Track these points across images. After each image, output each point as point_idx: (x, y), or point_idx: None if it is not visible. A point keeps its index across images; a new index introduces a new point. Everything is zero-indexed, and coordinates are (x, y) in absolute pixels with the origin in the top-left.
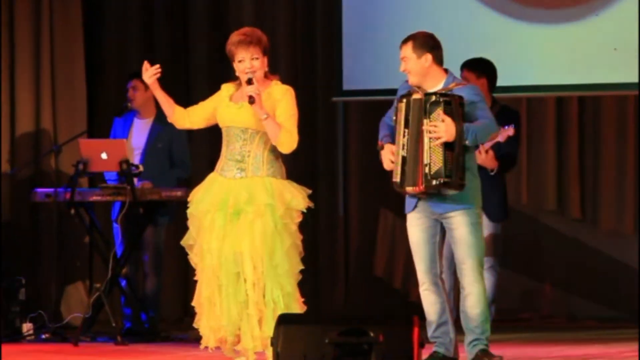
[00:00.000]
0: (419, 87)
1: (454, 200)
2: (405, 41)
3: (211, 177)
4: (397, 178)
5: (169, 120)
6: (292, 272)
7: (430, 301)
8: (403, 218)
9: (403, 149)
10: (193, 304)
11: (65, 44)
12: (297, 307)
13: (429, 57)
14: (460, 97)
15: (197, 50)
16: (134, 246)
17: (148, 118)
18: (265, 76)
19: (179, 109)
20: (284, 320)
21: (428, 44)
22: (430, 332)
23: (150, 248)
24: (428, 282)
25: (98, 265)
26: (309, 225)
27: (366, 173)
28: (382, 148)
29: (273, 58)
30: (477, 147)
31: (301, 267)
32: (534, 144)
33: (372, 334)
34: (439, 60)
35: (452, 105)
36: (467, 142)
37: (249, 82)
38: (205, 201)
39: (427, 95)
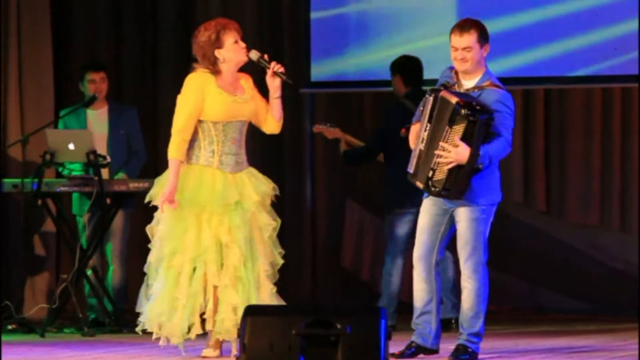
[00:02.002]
0: (457, 78)
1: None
2: (467, 29)
3: (208, 172)
4: (411, 168)
5: None
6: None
7: (419, 287)
8: (370, 210)
9: (422, 142)
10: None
11: (32, 34)
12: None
13: (487, 47)
14: (489, 118)
15: (164, 41)
16: (102, 237)
17: (101, 109)
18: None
19: (184, 152)
20: (251, 312)
21: (487, 34)
22: (414, 317)
23: (116, 238)
24: (421, 268)
25: (64, 256)
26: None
27: (333, 164)
28: (407, 134)
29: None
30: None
31: None
32: None
33: (339, 326)
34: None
35: (477, 126)
36: (480, 167)
37: (262, 58)
38: (219, 198)
39: (459, 106)
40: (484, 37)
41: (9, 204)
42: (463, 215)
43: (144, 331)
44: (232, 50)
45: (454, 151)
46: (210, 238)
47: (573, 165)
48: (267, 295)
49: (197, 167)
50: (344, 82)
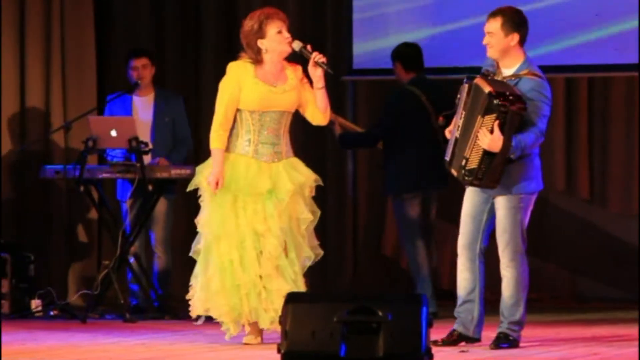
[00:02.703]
0: (497, 66)
1: (502, 184)
2: (494, 15)
3: (243, 161)
4: (447, 156)
5: None
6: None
7: (463, 276)
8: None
9: (457, 130)
10: (193, 283)
11: (75, 20)
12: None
13: (516, 37)
14: (521, 108)
15: (207, 28)
16: (144, 223)
17: (148, 95)
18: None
19: (225, 141)
20: (293, 299)
21: (516, 22)
22: (457, 306)
23: (159, 225)
24: (465, 257)
25: (107, 242)
26: (318, 202)
27: (375, 152)
28: (444, 123)
29: None
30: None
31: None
32: None
33: (380, 313)
34: (523, 39)
35: (508, 116)
36: (512, 157)
37: (305, 47)
38: (253, 186)
39: (491, 96)
40: (510, 25)
41: (52, 190)
42: (501, 204)
43: (196, 317)
44: (275, 41)
45: (488, 136)
46: (246, 226)
47: (616, 154)
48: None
49: (232, 155)
50: (386, 69)
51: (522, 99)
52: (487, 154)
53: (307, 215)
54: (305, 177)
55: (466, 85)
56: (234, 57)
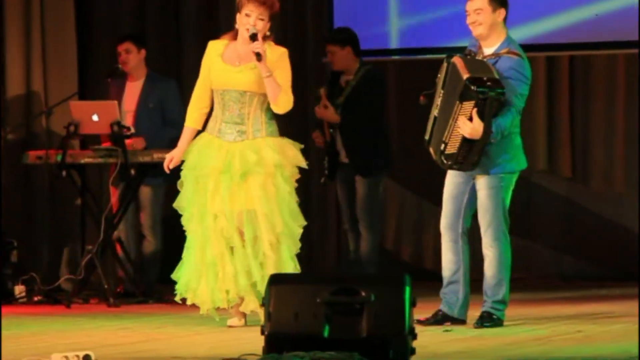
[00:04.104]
0: (479, 46)
1: (482, 164)
2: None
3: (206, 139)
4: (427, 135)
5: None
6: (300, 232)
7: (446, 257)
8: (393, 178)
9: (436, 108)
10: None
11: (55, 4)
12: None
13: (502, 12)
14: (499, 93)
15: (188, 10)
16: (127, 208)
17: (139, 80)
18: (262, 37)
19: (198, 119)
20: (276, 281)
21: None
22: (442, 287)
23: (145, 210)
24: (447, 238)
25: (90, 227)
26: (301, 185)
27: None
28: (426, 101)
29: None
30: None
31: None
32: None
33: (363, 294)
34: (506, 16)
35: (487, 102)
36: (492, 140)
37: (253, 37)
38: (206, 165)
39: (469, 82)
40: (496, 0)
41: (34, 175)
42: (482, 184)
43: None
44: (240, 22)
45: (469, 128)
46: (204, 205)
47: (598, 132)
48: (273, 268)
49: (203, 134)
50: (367, 50)
51: (500, 83)
52: (466, 140)
53: (267, 193)
54: (272, 157)
55: (445, 64)
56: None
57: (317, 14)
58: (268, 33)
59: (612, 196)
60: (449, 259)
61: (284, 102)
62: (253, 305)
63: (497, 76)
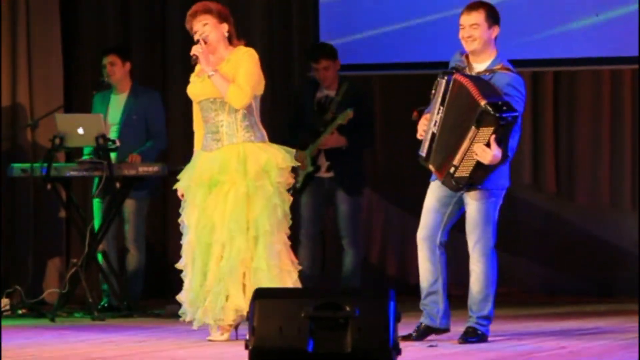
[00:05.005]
0: (468, 62)
1: None
2: (475, 8)
3: (196, 153)
4: (423, 152)
5: None
6: (262, 233)
7: (424, 267)
8: (378, 193)
9: (435, 125)
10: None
11: (41, 18)
12: (272, 266)
13: (496, 29)
14: (515, 117)
15: (173, 24)
16: (112, 221)
17: (124, 93)
18: (230, 43)
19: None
20: (260, 295)
21: (496, 15)
22: (421, 299)
23: (130, 223)
24: (425, 248)
25: (75, 240)
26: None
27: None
28: (418, 118)
29: (248, 34)
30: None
31: (286, 225)
32: None
33: (347, 308)
34: (497, 36)
35: (505, 129)
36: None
37: (196, 43)
38: (186, 177)
39: (489, 107)
40: (492, 18)
41: (19, 188)
42: (472, 199)
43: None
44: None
45: (490, 156)
46: (188, 219)
47: (583, 147)
48: (238, 280)
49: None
50: (352, 65)
51: (513, 105)
52: (480, 165)
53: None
54: (249, 164)
55: (443, 81)
56: None
57: (303, 30)
58: (226, 34)
59: (597, 211)
60: (427, 269)
61: (235, 96)
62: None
63: (504, 96)
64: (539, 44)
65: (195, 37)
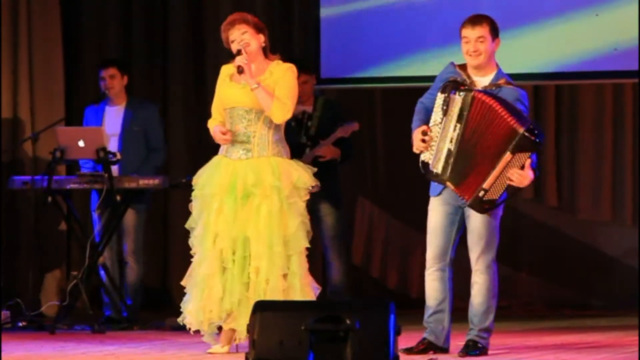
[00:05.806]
0: (467, 75)
1: None
2: (479, 21)
3: (216, 159)
4: (435, 167)
5: None
6: (298, 251)
7: (432, 287)
8: (380, 206)
9: (451, 142)
10: (183, 283)
11: (42, 31)
12: (304, 284)
13: (498, 42)
14: (544, 138)
15: (174, 37)
16: (112, 234)
17: (120, 105)
18: (266, 56)
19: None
20: (260, 308)
21: (497, 29)
22: (425, 316)
23: (129, 236)
24: (435, 268)
25: (75, 253)
26: None
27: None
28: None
29: None
30: None
31: (307, 245)
32: None
33: (348, 321)
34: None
35: (540, 151)
36: None
37: (238, 53)
38: (212, 184)
39: (527, 131)
40: (495, 31)
41: (19, 201)
42: (475, 212)
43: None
44: (233, 50)
45: (527, 180)
46: (207, 226)
47: (584, 161)
48: (254, 292)
49: (215, 156)
50: (354, 78)
51: (539, 126)
52: (512, 187)
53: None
54: (273, 177)
55: (457, 97)
56: (201, 66)
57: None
58: (263, 44)
59: (598, 225)
60: (436, 288)
61: (279, 110)
62: (242, 320)
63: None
64: (541, 58)
65: (233, 46)
